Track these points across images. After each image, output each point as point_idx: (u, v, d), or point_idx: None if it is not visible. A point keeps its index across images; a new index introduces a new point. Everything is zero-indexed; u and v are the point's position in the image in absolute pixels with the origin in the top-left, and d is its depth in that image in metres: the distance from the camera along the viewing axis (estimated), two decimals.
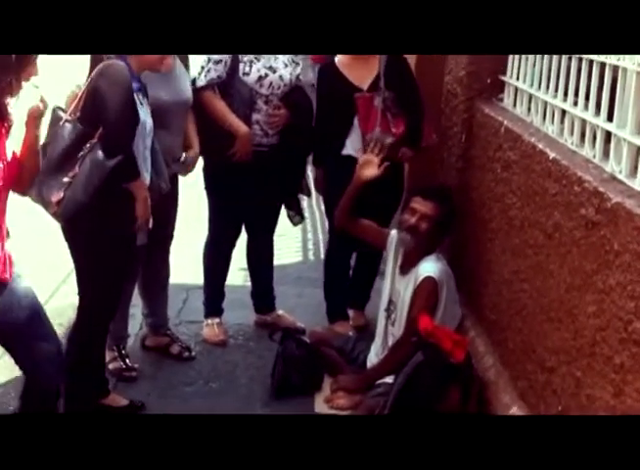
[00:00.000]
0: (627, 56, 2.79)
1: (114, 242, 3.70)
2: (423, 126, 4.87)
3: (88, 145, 3.48)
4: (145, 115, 3.81)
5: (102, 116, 3.51)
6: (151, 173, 3.90)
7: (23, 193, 3.39)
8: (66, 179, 3.43)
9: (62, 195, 3.41)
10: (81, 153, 3.46)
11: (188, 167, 4.55)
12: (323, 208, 5.62)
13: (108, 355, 4.31)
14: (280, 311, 5.17)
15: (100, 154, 3.47)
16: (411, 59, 6.07)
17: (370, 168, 4.42)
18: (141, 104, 3.79)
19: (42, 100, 3.21)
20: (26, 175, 3.28)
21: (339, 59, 4.91)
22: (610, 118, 2.97)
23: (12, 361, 3.33)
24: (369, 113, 4.67)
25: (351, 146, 4.78)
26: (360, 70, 4.77)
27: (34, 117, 3.22)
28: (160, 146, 4.05)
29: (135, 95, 3.70)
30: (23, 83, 3.05)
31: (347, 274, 5.18)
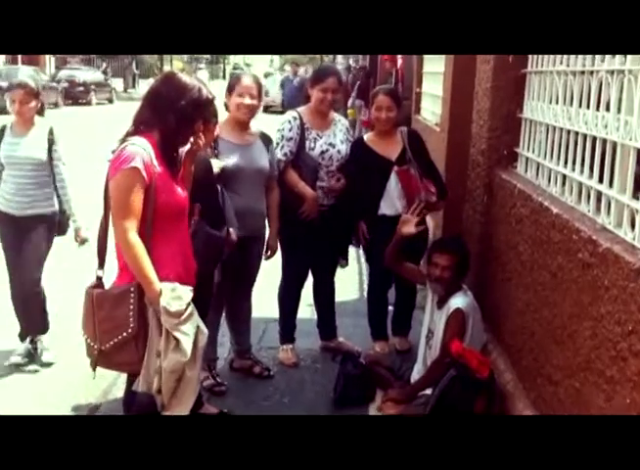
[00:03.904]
0: (615, 130, 2.83)
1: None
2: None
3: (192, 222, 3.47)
4: None
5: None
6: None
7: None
8: None
9: None
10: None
11: (269, 255, 4.66)
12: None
13: (202, 374, 4.31)
14: (340, 338, 5.18)
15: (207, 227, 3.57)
16: (443, 135, 6.17)
17: (408, 226, 4.49)
18: None
19: (196, 142, 3.19)
20: None
21: (367, 137, 5.00)
22: (601, 181, 3.00)
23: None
24: (409, 181, 4.71)
25: (385, 207, 4.82)
26: (385, 145, 4.84)
27: (191, 155, 3.25)
28: (241, 205, 4.13)
29: None
30: None
31: (386, 305, 5.16)
